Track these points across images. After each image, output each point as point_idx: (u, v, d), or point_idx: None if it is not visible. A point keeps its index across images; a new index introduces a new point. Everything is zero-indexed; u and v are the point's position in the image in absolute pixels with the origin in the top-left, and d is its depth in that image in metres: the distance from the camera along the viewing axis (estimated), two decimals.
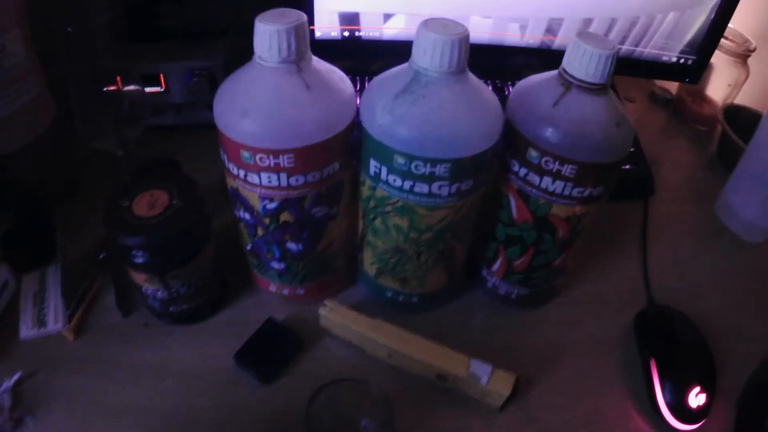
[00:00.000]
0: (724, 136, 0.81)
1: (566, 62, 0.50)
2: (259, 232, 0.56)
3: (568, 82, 0.50)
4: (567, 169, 0.51)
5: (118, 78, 0.63)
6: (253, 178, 0.50)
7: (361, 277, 0.65)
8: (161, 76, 0.75)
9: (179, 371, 0.59)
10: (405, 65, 0.50)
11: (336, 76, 0.51)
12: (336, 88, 0.50)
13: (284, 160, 0.49)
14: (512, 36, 0.76)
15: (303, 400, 0.50)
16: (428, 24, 0.47)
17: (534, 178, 0.53)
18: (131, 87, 0.63)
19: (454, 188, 0.50)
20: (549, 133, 0.50)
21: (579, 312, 0.66)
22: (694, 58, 0.80)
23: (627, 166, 0.81)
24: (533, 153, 0.51)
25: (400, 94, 0.48)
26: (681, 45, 0.78)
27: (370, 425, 0.54)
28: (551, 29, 0.76)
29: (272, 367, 0.59)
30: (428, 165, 0.48)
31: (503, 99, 0.54)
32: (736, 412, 0.59)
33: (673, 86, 0.98)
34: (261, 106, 0.48)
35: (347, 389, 0.52)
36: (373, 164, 0.51)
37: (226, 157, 0.51)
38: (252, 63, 0.49)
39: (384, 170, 0.50)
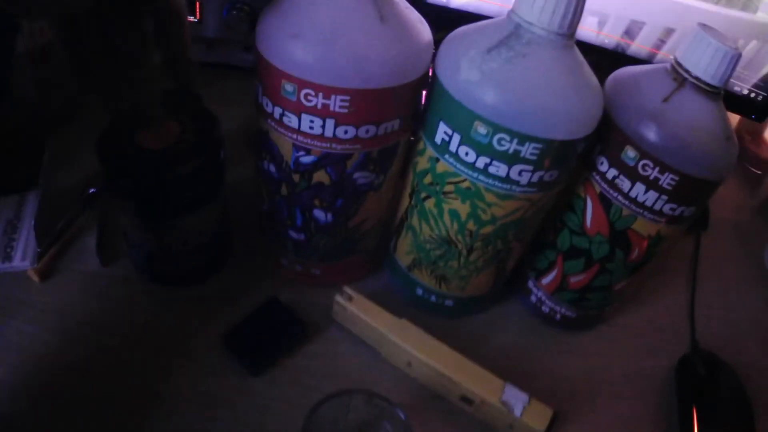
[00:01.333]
0: None
1: (683, 55, 0.40)
2: (284, 190, 0.44)
3: (682, 77, 0.40)
4: (666, 179, 0.40)
5: None
6: (291, 120, 0.39)
7: (389, 266, 0.53)
8: (197, 4, 0.62)
9: (154, 343, 0.47)
10: (500, 18, 0.38)
11: (415, 15, 0.40)
12: (414, 29, 0.39)
13: (336, 103, 0.37)
14: (588, 31, 0.65)
15: (296, 401, 0.39)
16: None
17: (624, 183, 0.42)
18: None
19: (536, 177, 0.39)
20: (654, 131, 0.40)
21: (620, 345, 0.55)
22: (765, 95, 0.69)
23: None
24: (630, 153, 0.41)
25: (495, 49, 0.37)
26: (755, 78, 0.68)
27: None
28: (630, 32, 0.65)
29: (267, 356, 0.47)
30: (515, 141, 0.37)
31: None
32: None
33: (732, 120, 0.87)
34: (319, 28, 0.36)
35: (359, 402, 0.40)
36: (442, 130, 0.40)
37: (261, 88, 0.40)
38: None
39: (456, 139, 0.39)
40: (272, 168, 0.43)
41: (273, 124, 0.40)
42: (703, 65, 0.39)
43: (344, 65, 0.36)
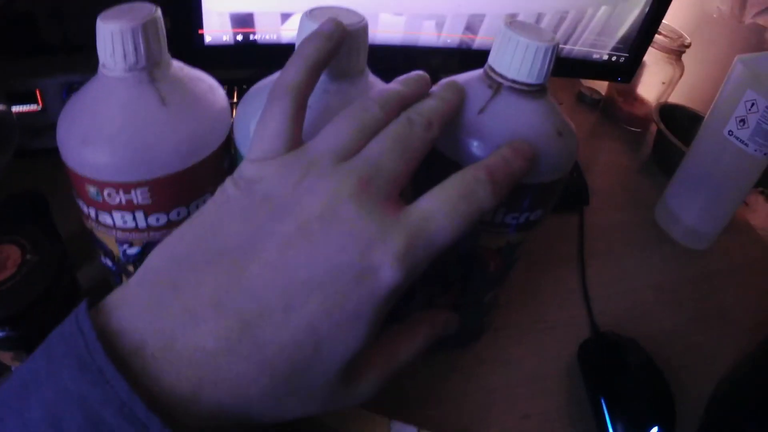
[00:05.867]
0: (660, 137, 0.69)
1: (494, 58, 0.36)
2: (124, 280, 0.40)
3: (496, 83, 0.36)
4: None
5: None
6: (106, 218, 0.36)
7: None
8: (37, 92, 0.58)
9: None
10: None
11: (204, 85, 0.36)
12: (202, 101, 0.35)
13: (137, 196, 0.34)
14: (427, 35, 0.61)
15: None
16: (312, 14, 0.32)
17: None
18: None
19: None
20: (475, 147, 0.36)
21: (514, 347, 0.52)
22: (627, 55, 0.67)
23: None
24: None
25: None
26: (613, 42, 0.66)
27: None
28: (471, 27, 0.62)
29: None
30: None
31: None
32: None
33: (602, 86, 0.85)
34: (103, 129, 0.33)
35: None
36: None
37: (74, 192, 0.36)
38: (97, 75, 0.34)
39: None
40: (108, 262, 0.40)
41: (94, 223, 0.37)
42: (516, 66, 0.34)
43: (132, 160, 0.33)
